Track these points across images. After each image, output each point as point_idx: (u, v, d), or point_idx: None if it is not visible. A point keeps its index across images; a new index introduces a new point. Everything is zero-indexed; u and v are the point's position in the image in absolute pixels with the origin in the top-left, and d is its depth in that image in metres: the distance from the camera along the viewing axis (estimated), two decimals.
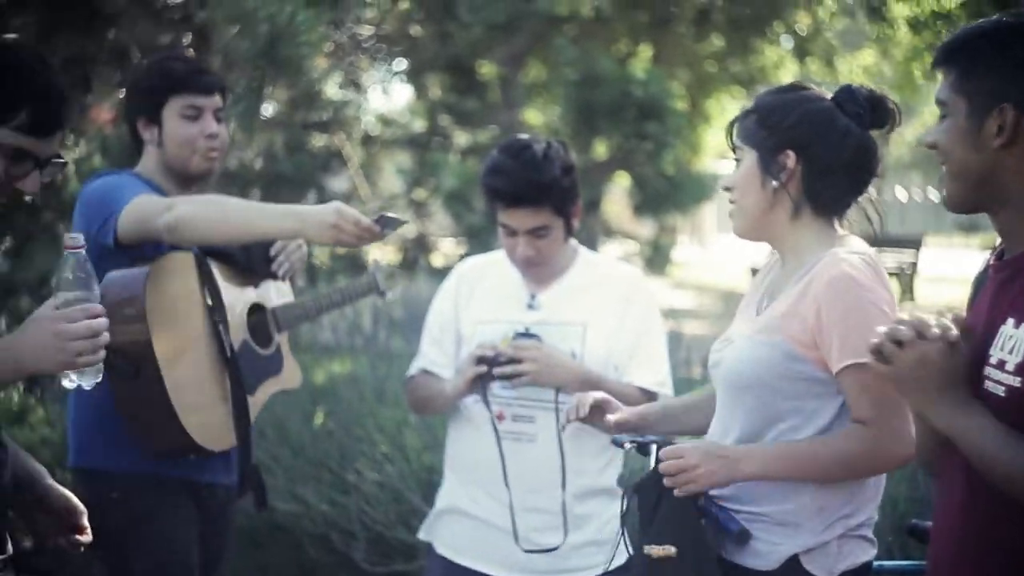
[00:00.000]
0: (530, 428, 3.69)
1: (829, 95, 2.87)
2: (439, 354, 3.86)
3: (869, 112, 2.84)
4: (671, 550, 2.79)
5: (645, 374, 3.75)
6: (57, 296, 2.50)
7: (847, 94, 2.85)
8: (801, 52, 15.43)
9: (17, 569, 2.77)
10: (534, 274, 3.76)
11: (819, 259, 2.77)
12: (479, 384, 3.68)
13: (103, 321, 2.52)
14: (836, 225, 2.87)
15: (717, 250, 32.80)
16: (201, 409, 3.59)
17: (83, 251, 2.51)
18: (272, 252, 3.88)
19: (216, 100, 3.83)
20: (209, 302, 3.64)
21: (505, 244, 3.73)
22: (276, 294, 3.97)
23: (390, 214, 3.41)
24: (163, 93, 3.77)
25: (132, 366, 3.40)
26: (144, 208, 3.56)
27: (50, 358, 2.50)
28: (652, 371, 3.77)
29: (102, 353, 2.53)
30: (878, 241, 2.99)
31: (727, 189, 2.89)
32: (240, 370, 3.68)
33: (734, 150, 2.89)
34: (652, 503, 2.86)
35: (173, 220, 3.49)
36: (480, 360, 3.63)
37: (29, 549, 2.82)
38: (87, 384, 2.54)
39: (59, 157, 2.69)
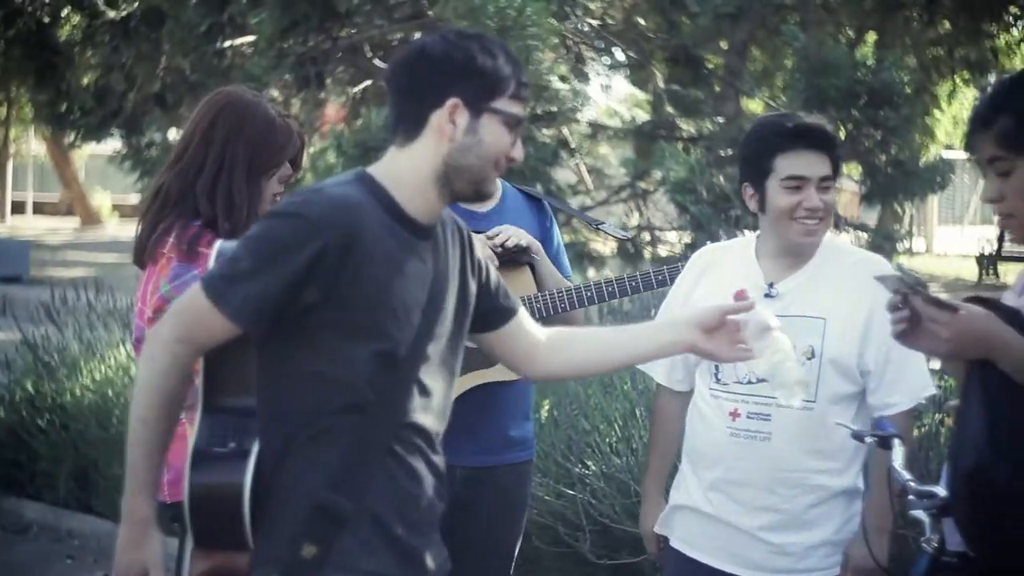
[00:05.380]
0: (766, 426, 3.58)
1: None
2: (674, 366, 3.82)
3: None
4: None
5: (903, 392, 3.63)
6: None
7: None
8: None
9: None
10: (812, 240, 3.61)
11: None
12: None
13: None
14: None
15: (940, 240, 31.98)
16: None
17: None
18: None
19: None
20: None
21: (786, 203, 3.57)
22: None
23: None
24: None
25: None
26: None
27: None
28: (910, 385, 3.64)
29: None
30: None
31: (993, 201, 2.73)
32: None
33: (992, 161, 2.70)
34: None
35: None
36: None
37: None
38: None
39: None
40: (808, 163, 3.55)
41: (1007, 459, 2.55)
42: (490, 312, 3.08)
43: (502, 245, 4.00)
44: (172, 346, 2.74)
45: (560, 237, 4.46)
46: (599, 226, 4.89)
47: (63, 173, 31.81)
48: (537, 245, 4.12)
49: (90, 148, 27.96)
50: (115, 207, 34.90)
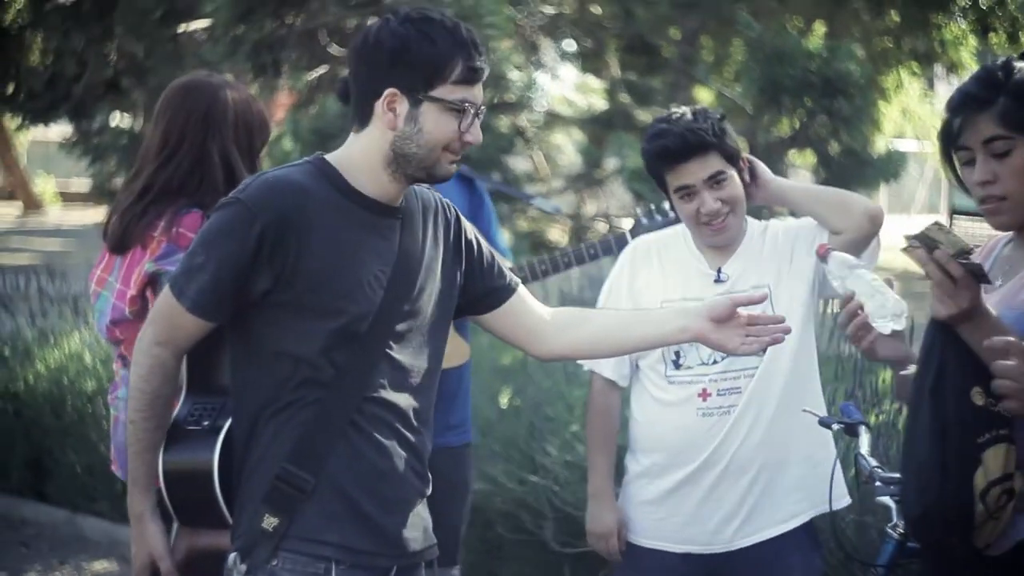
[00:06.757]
0: (738, 399, 3.69)
1: None
2: (622, 360, 3.83)
3: None
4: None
5: None
6: None
7: None
8: (983, 26, 14.99)
9: None
10: (724, 238, 3.72)
11: None
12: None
13: None
14: None
15: (887, 230, 32.26)
16: None
17: None
18: None
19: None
20: None
21: (686, 212, 3.70)
22: None
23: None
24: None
25: None
26: None
27: None
28: None
29: None
30: None
31: (987, 183, 2.73)
32: None
33: (990, 142, 2.71)
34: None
35: None
36: None
37: None
38: None
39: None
40: (691, 171, 3.63)
41: (955, 484, 2.61)
42: (487, 293, 3.10)
43: None
44: (152, 349, 2.85)
45: (494, 215, 4.49)
46: (530, 201, 4.95)
47: (4, 158, 31.37)
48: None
49: (32, 133, 27.62)
50: (59, 193, 34.55)
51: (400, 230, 2.89)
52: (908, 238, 2.66)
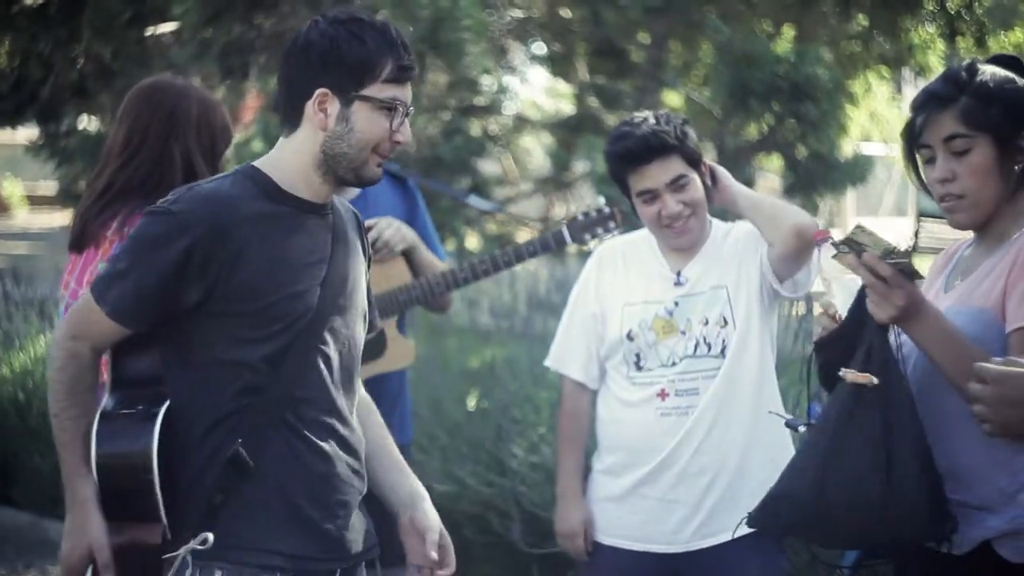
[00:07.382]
0: (695, 400, 3.71)
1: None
2: (590, 361, 3.88)
3: None
4: (871, 379, 2.66)
5: None
6: None
7: None
8: (951, 31, 15.06)
9: None
10: (686, 241, 3.73)
11: None
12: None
13: None
14: None
15: None
16: None
17: None
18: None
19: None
20: None
21: (648, 215, 3.72)
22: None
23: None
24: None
25: None
26: None
27: None
28: None
29: None
30: None
31: (946, 181, 2.75)
32: None
33: (950, 140, 2.74)
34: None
35: None
36: None
37: None
38: None
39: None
40: (652, 175, 3.65)
41: None
42: None
43: (379, 241, 4.07)
44: (66, 342, 2.85)
45: (428, 216, 4.51)
46: (465, 199, 4.98)
47: None
48: (415, 238, 4.18)
49: None
50: (26, 197, 34.38)
51: (332, 227, 2.92)
52: (835, 244, 2.69)
